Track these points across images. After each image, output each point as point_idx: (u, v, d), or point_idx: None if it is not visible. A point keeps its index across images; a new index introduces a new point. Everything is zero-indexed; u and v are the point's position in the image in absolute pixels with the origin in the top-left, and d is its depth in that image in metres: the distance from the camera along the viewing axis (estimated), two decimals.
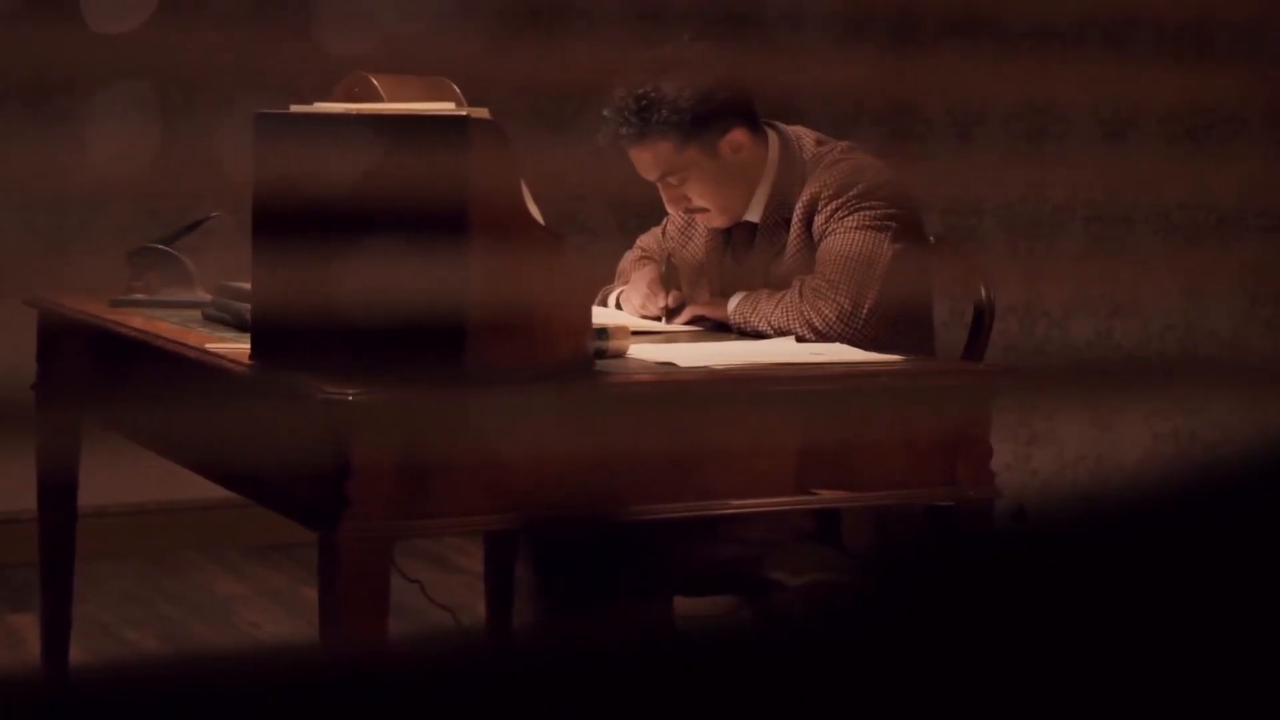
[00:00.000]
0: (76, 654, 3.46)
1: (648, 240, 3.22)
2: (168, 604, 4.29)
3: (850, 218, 2.84)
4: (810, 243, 2.89)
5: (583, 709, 0.91)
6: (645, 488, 2.39)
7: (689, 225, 3.08)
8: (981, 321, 2.99)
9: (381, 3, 4.57)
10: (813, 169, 2.93)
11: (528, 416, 2.31)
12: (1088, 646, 0.93)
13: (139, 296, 3.10)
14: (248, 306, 2.51)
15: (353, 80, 2.59)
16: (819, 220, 2.88)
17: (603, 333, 2.50)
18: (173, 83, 4.51)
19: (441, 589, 3.39)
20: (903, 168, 2.99)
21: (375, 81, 2.55)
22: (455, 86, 2.58)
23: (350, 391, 2.19)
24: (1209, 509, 0.98)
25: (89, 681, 1.01)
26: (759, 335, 2.83)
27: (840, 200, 2.86)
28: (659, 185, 2.95)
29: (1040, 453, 4.91)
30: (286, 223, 2.36)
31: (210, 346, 2.56)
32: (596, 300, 3.09)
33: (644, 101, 2.84)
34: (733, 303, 2.89)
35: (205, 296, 3.00)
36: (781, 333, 2.80)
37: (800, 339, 2.78)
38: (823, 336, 2.76)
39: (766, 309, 2.83)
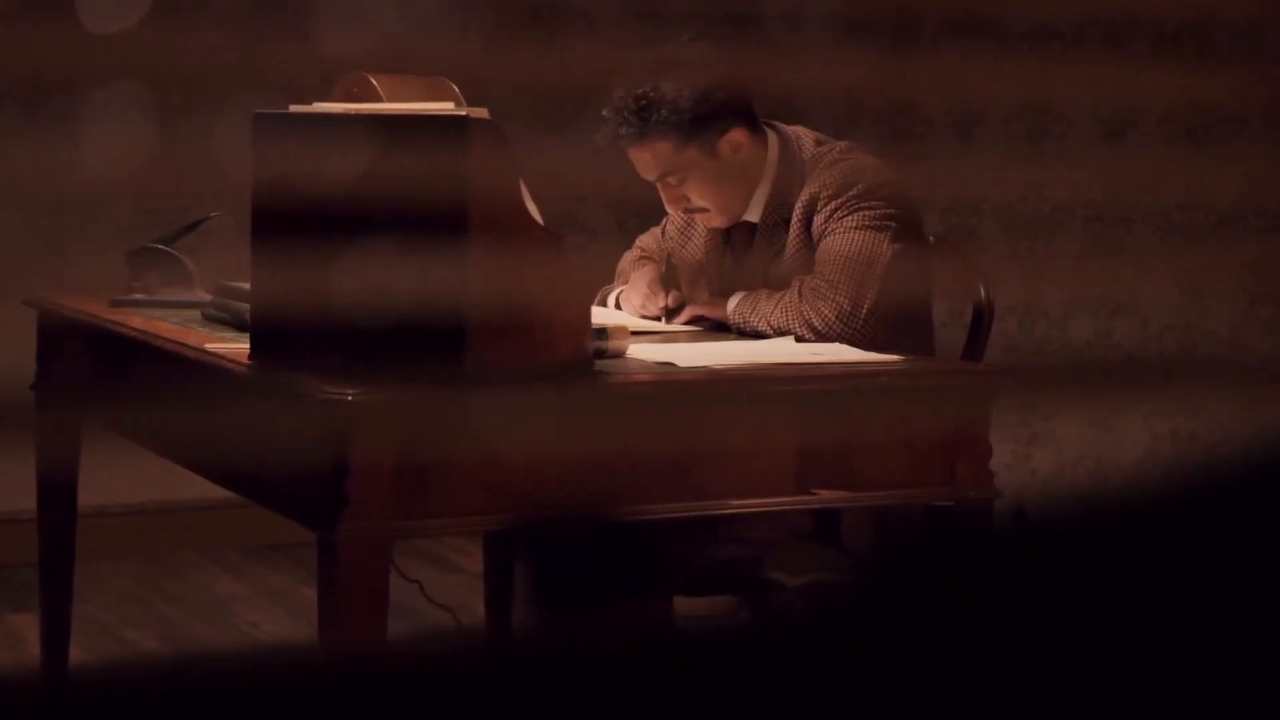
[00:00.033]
0: (76, 654, 3.47)
1: (647, 240, 3.22)
2: (168, 604, 4.29)
3: (850, 218, 2.84)
4: (810, 243, 2.89)
5: (583, 709, 0.91)
6: (645, 488, 2.39)
7: (688, 225, 3.08)
8: (981, 321, 2.99)
9: (381, 3, 4.57)
10: (812, 169, 2.93)
11: (527, 416, 2.31)
12: (1087, 646, 0.93)
13: (139, 296, 3.10)
14: (247, 306, 2.51)
15: (352, 80, 2.59)
16: (818, 220, 2.88)
17: (602, 333, 2.50)
18: (172, 83, 4.51)
19: (441, 589, 3.39)
20: (903, 168, 2.99)
21: (374, 81, 2.55)
22: (455, 86, 2.58)
23: (350, 391, 2.19)
24: (1208, 509, 0.98)
25: (89, 681, 1.01)
26: (758, 335, 2.83)
27: (840, 200, 2.86)
28: (658, 185, 2.95)
29: (1040, 453, 4.91)
30: (286, 223, 2.36)
31: (210, 346, 2.56)
32: (596, 300, 3.09)
33: (643, 101, 2.84)
34: (732, 303, 2.90)
35: (205, 296, 3.00)
36: (781, 333, 2.80)
37: (800, 339, 2.78)
38: (822, 336, 2.77)
39: (766, 309, 2.83)
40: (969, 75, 4.94)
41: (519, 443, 2.28)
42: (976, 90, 4.92)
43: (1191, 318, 4.68)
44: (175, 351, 2.64)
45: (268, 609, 4.24)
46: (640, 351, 2.57)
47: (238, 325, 2.68)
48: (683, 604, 2.82)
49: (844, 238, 2.83)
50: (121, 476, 3.65)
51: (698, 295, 3.02)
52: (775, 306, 2.82)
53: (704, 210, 2.96)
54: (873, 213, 2.84)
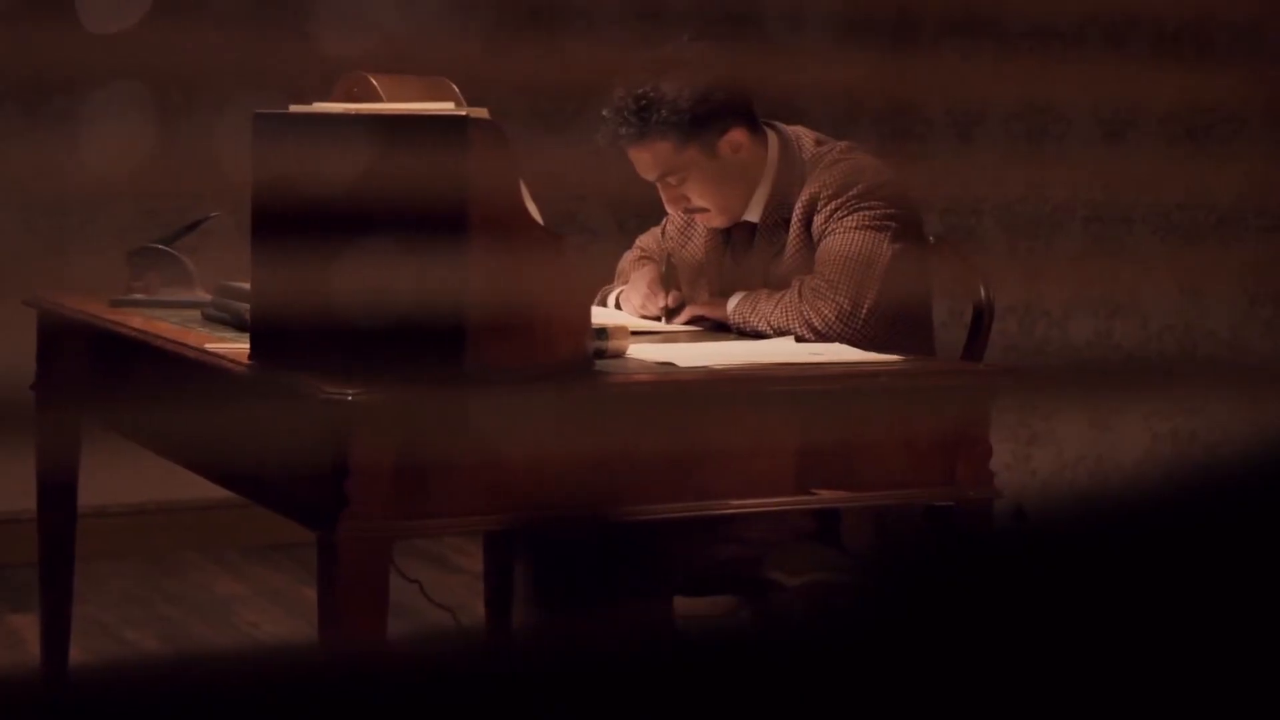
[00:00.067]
0: (76, 654, 3.47)
1: (647, 240, 3.22)
2: (167, 604, 4.29)
3: (850, 218, 2.84)
4: (810, 243, 2.89)
5: (583, 709, 0.91)
6: (645, 488, 2.39)
7: (688, 225, 3.08)
8: (981, 321, 2.99)
9: (381, 3, 4.57)
10: (812, 169, 2.93)
11: (527, 416, 2.31)
12: (1087, 647, 0.93)
13: (139, 296, 3.10)
14: (247, 306, 2.51)
15: (352, 80, 2.59)
16: (818, 220, 2.88)
17: (602, 333, 2.50)
18: (172, 83, 4.51)
19: (441, 589, 3.39)
20: (902, 168, 2.99)
21: (374, 81, 2.55)
22: (455, 86, 2.58)
23: (349, 391, 2.19)
24: (1208, 509, 0.98)
25: (89, 681, 1.01)
26: (758, 335, 2.83)
27: (840, 200, 2.86)
28: (658, 185, 2.95)
29: (1039, 453, 4.91)
30: (286, 223, 2.36)
31: (210, 346, 2.56)
32: (596, 300, 3.09)
33: (643, 101, 2.84)
34: (732, 303, 2.90)
35: (205, 296, 3.00)
36: (781, 333, 2.80)
37: (800, 339, 2.78)
38: (822, 336, 2.76)
39: (766, 309, 2.83)
40: (969, 75, 4.94)
41: (519, 443, 2.28)
42: (976, 90, 4.92)
43: (1191, 318, 4.68)
44: (175, 351, 2.64)
45: (268, 609, 4.24)
46: (640, 351, 2.57)
47: (238, 325, 2.68)
48: (683, 604, 2.82)
49: (844, 238, 2.83)
50: (121, 476, 3.65)
51: (698, 295, 3.02)
52: (775, 306, 2.82)
53: (704, 210, 2.96)
54: (873, 213, 2.84)
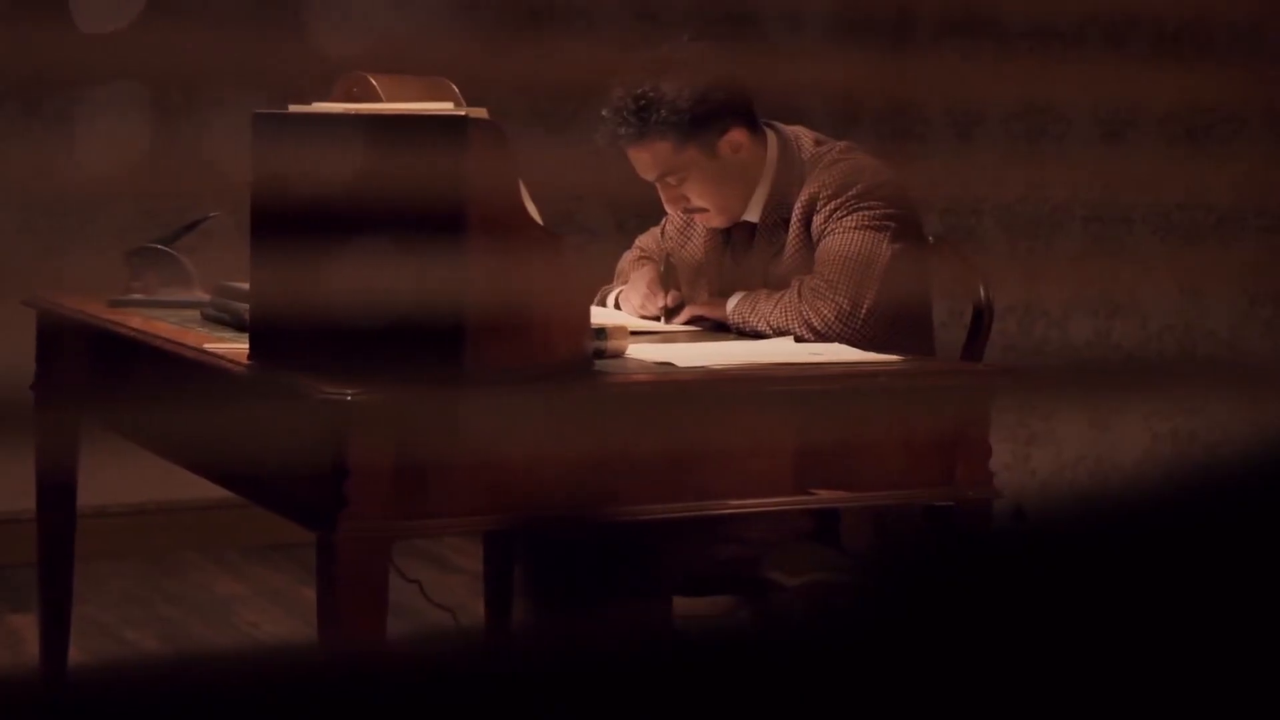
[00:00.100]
0: (76, 654, 3.47)
1: (646, 240, 3.22)
2: (167, 604, 4.29)
3: (849, 218, 2.84)
4: (809, 243, 2.89)
5: (582, 709, 0.91)
6: (644, 488, 2.38)
7: (688, 225, 3.08)
8: (980, 321, 2.99)
9: (380, 3, 4.57)
10: (811, 169, 2.93)
11: (526, 417, 2.31)
12: (1087, 647, 0.93)
13: (137, 296, 3.10)
14: (246, 306, 2.51)
15: (351, 80, 2.59)
16: (818, 220, 2.88)
17: (601, 333, 2.50)
18: (171, 83, 4.51)
19: (440, 589, 3.39)
20: (902, 168, 2.99)
21: (374, 81, 2.55)
22: (454, 86, 2.58)
23: (348, 391, 2.19)
24: (1208, 509, 0.98)
25: (88, 682, 1.01)
26: (758, 335, 2.83)
27: (839, 200, 2.86)
28: (658, 185, 2.95)
29: (1039, 453, 4.91)
30: (285, 223, 2.36)
31: (209, 346, 2.56)
32: (595, 300, 3.09)
33: (643, 101, 2.84)
34: (731, 303, 2.89)
35: (204, 296, 3.00)
36: (780, 333, 2.80)
37: (799, 339, 2.78)
38: (821, 336, 2.76)
39: (765, 309, 2.83)
40: (968, 75, 4.94)
41: (518, 443, 2.28)
42: (976, 90, 4.92)
43: (1191, 318, 4.68)
44: (174, 352, 2.63)
45: (268, 609, 4.24)
46: (639, 351, 2.57)
47: (237, 325, 2.68)
48: (682, 604, 2.82)
49: (843, 238, 2.83)
50: (121, 476, 3.65)
51: (697, 295, 3.02)
52: (774, 306, 2.82)
53: (703, 210, 2.96)
54: (872, 213, 2.84)
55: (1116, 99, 4.73)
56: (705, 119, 2.86)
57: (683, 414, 2.43)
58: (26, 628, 3.83)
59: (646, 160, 2.89)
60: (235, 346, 2.50)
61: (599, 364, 2.45)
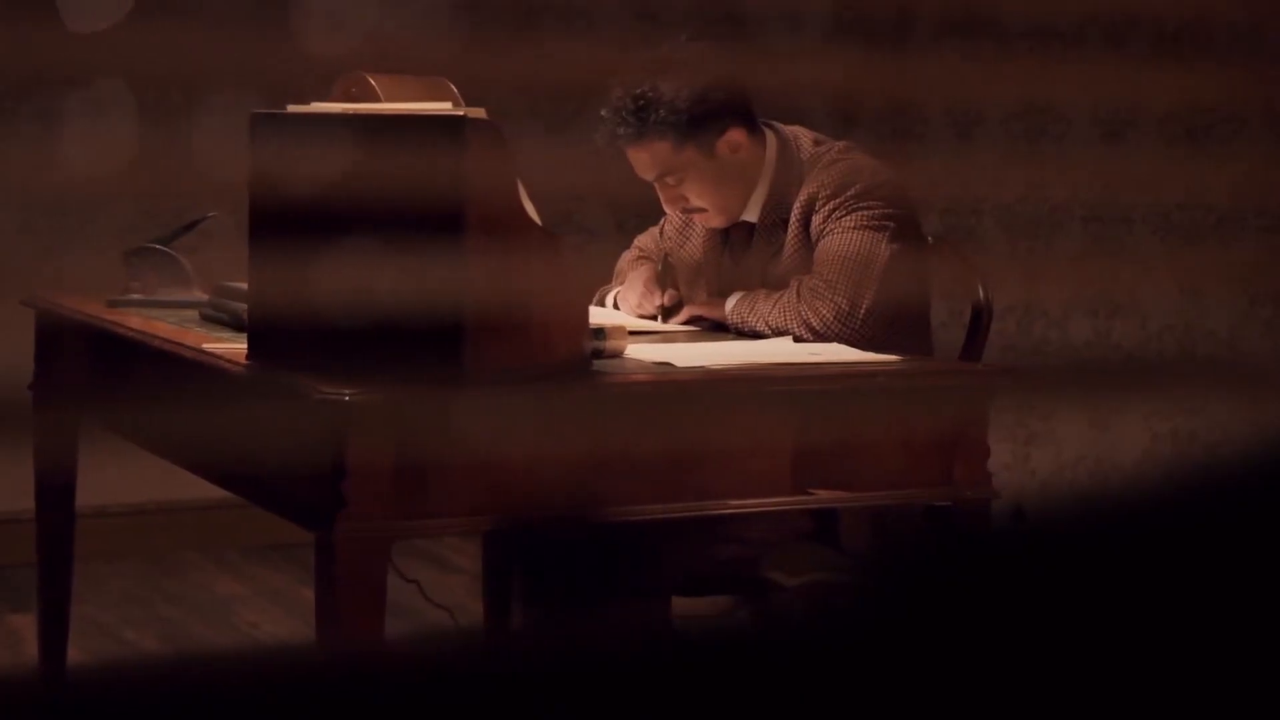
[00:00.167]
0: (75, 654, 3.47)
1: (645, 240, 3.22)
2: (167, 604, 4.29)
3: (848, 218, 2.84)
4: (808, 243, 2.89)
5: (581, 709, 0.91)
6: (643, 488, 2.38)
7: (687, 225, 3.08)
8: (979, 321, 2.99)
9: (379, 3, 4.56)
10: (810, 169, 2.93)
11: (525, 417, 2.31)
12: (1086, 647, 0.93)
13: (136, 296, 3.09)
14: (245, 306, 2.51)
15: (350, 80, 2.59)
16: (816, 220, 2.88)
17: (600, 333, 2.50)
18: (170, 83, 4.50)
19: (439, 589, 3.39)
20: (901, 168, 2.99)
21: (373, 81, 2.55)
22: (453, 86, 2.58)
23: (347, 391, 2.19)
24: (1208, 509, 0.98)
25: (87, 682, 1.01)
26: (756, 335, 2.83)
27: (838, 200, 2.86)
28: (656, 185, 2.95)
29: (1038, 453, 4.91)
30: (283, 223, 2.36)
31: (207, 346, 2.56)
32: (594, 300, 3.09)
33: (641, 101, 2.84)
34: (730, 303, 2.89)
35: (202, 296, 3.00)
36: (779, 333, 2.80)
37: (798, 339, 2.77)
38: (820, 337, 2.76)
39: (764, 309, 2.83)
40: (968, 75, 4.94)
41: (517, 443, 2.28)
42: (975, 90, 4.92)
43: (1191, 318, 4.68)
44: (173, 352, 2.63)
45: (268, 609, 4.24)
46: (638, 351, 2.57)
47: (235, 325, 2.68)
48: (681, 604, 2.82)
49: (842, 238, 2.83)
50: (121, 476, 3.65)
51: (696, 295, 3.02)
52: (773, 307, 2.82)
53: (702, 210, 2.96)
54: (871, 213, 2.83)
55: (1116, 99, 4.73)
56: (704, 119, 2.86)
57: (682, 414, 2.43)
58: (26, 628, 3.82)
59: (645, 160, 2.89)
60: (234, 346, 2.50)
61: (598, 364, 2.45)
